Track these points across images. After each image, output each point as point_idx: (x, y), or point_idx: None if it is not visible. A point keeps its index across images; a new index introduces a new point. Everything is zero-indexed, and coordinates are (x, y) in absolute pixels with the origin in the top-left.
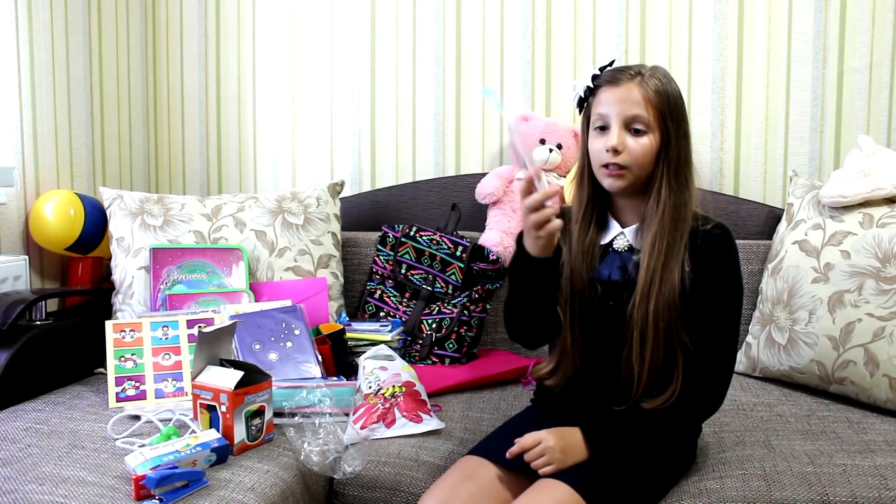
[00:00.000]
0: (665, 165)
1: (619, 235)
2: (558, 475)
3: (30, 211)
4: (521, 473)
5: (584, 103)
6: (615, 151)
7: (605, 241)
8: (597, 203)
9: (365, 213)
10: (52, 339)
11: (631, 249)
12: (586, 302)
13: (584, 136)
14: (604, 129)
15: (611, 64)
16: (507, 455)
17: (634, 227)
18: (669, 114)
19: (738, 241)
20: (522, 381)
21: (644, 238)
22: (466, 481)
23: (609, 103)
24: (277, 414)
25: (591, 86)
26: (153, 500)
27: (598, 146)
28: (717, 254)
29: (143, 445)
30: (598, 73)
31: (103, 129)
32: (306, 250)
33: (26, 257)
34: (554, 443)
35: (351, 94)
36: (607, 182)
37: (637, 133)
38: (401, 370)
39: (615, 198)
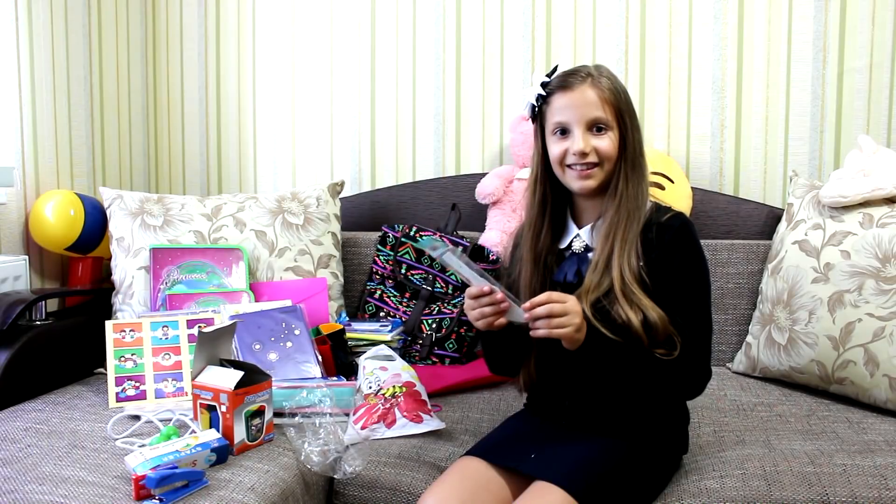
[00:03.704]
0: (623, 159)
1: (576, 237)
2: (551, 477)
3: (30, 211)
4: (517, 473)
5: (537, 111)
6: (583, 154)
7: (563, 244)
8: (550, 208)
9: (365, 213)
10: (52, 339)
11: (587, 249)
12: None
13: (538, 144)
14: (564, 133)
15: (555, 69)
16: (528, 304)
17: (589, 226)
18: (624, 110)
19: (738, 241)
20: None
21: (598, 234)
22: (464, 482)
23: (566, 109)
24: (277, 414)
25: (544, 93)
26: (153, 500)
27: (562, 152)
28: (673, 244)
29: (143, 445)
30: (548, 79)
31: (103, 129)
32: (306, 250)
33: (26, 257)
34: (572, 319)
35: (351, 94)
36: (579, 184)
37: (599, 132)
38: (401, 370)
39: (578, 200)
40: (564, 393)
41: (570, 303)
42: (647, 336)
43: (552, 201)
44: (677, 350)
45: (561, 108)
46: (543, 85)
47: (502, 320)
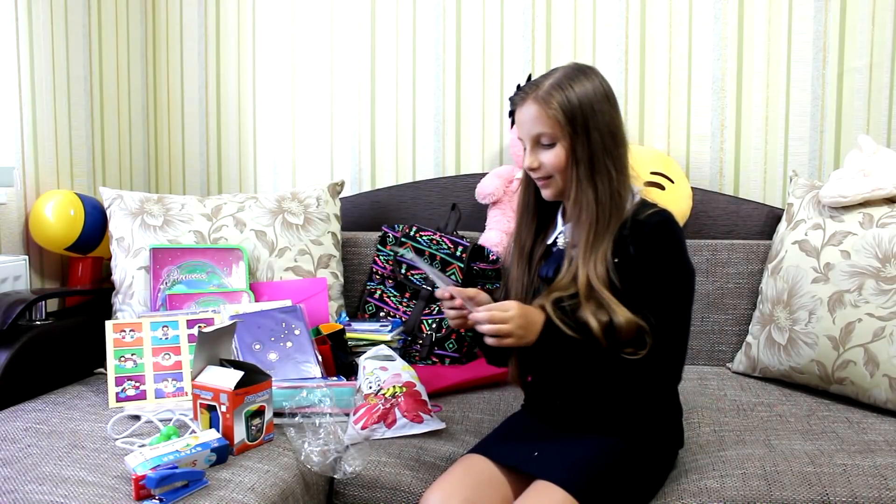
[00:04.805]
0: (576, 167)
1: (560, 234)
2: (552, 477)
3: (30, 211)
4: (519, 471)
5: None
6: (532, 169)
7: (550, 240)
8: (535, 208)
9: (365, 213)
10: (52, 339)
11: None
12: (533, 300)
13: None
14: (526, 149)
15: (529, 78)
16: (454, 294)
17: (571, 223)
18: (571, 119)
19: (738, 241)
20: None
21: (572, 235)
22: (468, 478)
23: (520, 125)
24: (278, 414)
25: (511, 108)
26: (153, 500)
27: (523, 165)
28: (648, 240)
29: (143, 445)
30: (514, 96)
31: (103, 129)
32: (306, 250)
33: (26, 257)
34: (514, 327)
35: (351, 94)
36: (542, 192)
37: (547, 147)
38: (401, 370)
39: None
40: (554, 392)
41: (511, 312)
42: (610, 338)
43: (538, 200)
44: (645, 349)
45: (517, 124)
46: (511, 101)
47: (470, 321)
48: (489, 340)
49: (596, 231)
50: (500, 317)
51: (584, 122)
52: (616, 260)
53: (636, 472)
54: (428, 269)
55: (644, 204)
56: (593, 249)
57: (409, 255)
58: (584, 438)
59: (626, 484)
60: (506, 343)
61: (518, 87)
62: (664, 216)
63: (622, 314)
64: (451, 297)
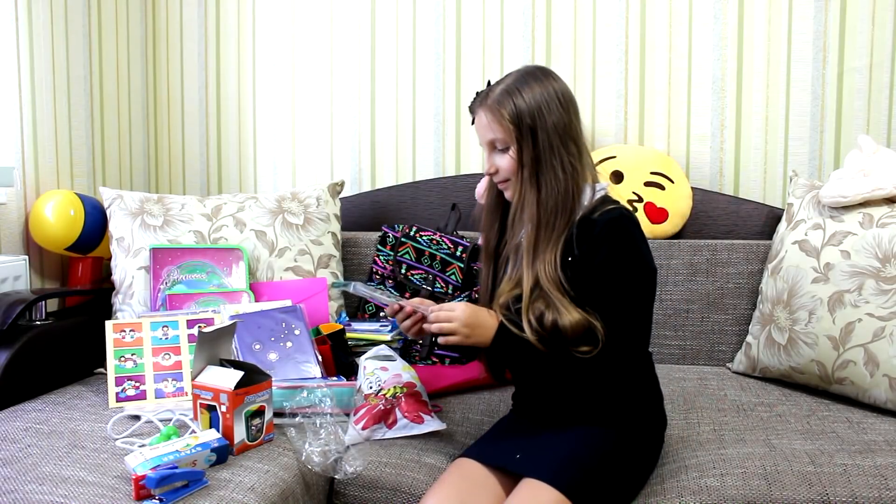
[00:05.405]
0: (522, 169)
1: (524, 234)
2: (542, 475)
3: (30, 211)
4: (509, 473)
5: None
6: (490, 174)
7: (517, 239)
8: (502, 207)
9: (365, 213)
10: (52, 339)
11: None
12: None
13: None
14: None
15: (489, 84)
16: (402, 304)
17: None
18: (518, 124)
19: (738, 241)
20: None
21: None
22: (461, 482)
23: (477, 132)
24: (278, 414)
25: (472, 116)
26: (153, 500)
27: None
28: (599, 238)
29: (143, 445)
30: (471, 104)
31: (103, 129)
32: (306, 250)
33: (26, 257)
34: (458, 325)
35: (351, 94)
36: (505, 195)
37: (501, 151)
38: (401, 371)
39: None
40: (532, 389)
41: (456, 312)
42: (554, 340)
43: (502, 201)
44: (598, 348)
45: (476, 131)
46: (469, 109)
47: (427, 325)
48: (439, 339)
49: (538, 233)
50: (444, 315)
51: (531, 125)
52: (569, 259)
53: (621, 460)
54: (371, 294)
55: (605, 201)
56: (537, 251)
57: (351, 288)
58: (567, 432)
59: (612, 472)
60: (452, 341)
61: (477, 93)
62: (618, 214)
63: (568, 316)
64: (401, 308)
